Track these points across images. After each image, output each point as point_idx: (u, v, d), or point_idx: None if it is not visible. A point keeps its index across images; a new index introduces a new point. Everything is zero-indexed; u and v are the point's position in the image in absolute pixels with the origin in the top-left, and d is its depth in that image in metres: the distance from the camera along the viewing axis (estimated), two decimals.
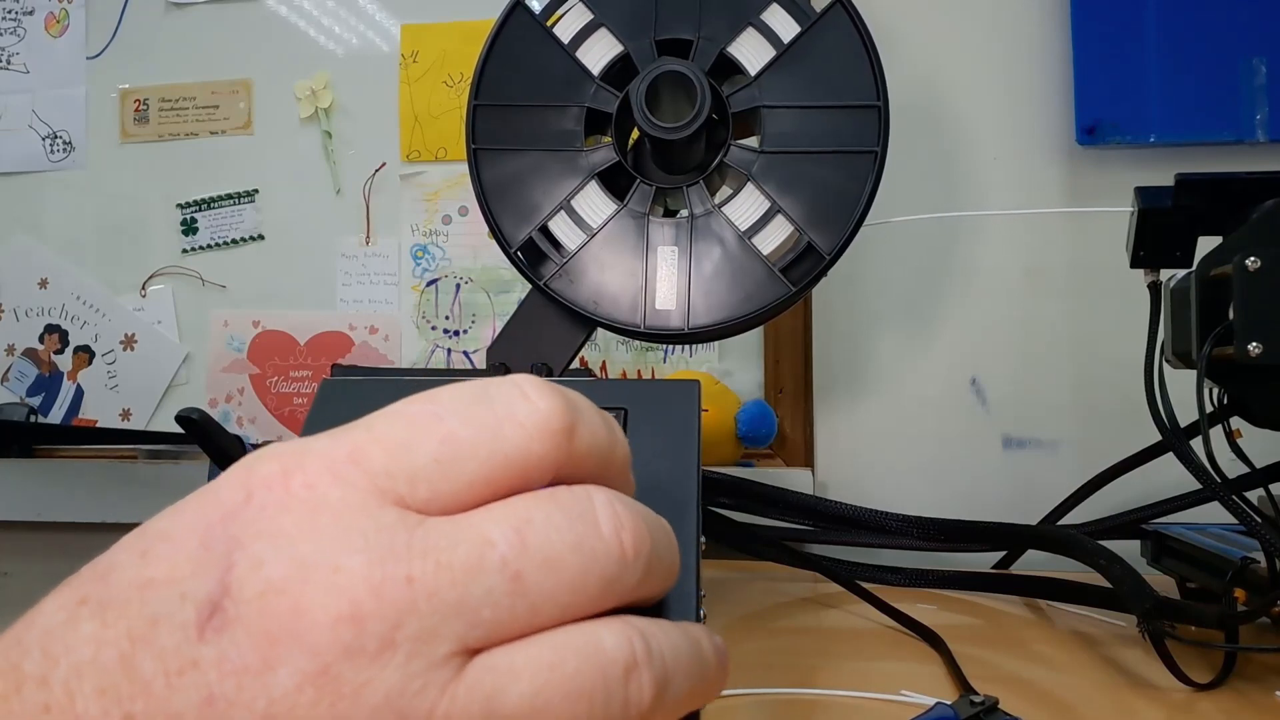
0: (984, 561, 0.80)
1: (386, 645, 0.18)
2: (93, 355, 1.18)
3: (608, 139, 0.63)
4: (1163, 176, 0.59)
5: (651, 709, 0.20)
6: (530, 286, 0.62)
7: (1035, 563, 0.78)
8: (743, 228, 0.60)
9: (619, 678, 0.20)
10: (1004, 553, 0.80)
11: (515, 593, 0.19)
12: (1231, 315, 0.51)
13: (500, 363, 0.62)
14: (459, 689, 0.19)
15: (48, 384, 1.19)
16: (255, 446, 0.55)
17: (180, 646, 0.18)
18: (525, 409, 0.21)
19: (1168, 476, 0.70)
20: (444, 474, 0.20)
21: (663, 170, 0.64)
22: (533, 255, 0.63)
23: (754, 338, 1.03)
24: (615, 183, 0.63)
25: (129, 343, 1.17)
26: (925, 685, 0.52)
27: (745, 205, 0.61)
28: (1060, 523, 0.80)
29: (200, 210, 1.16)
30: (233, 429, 1.12)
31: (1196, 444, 0.54)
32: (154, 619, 0.18)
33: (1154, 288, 0.60)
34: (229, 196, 1.16)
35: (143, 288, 1.17)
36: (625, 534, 0.21)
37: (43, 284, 1.19)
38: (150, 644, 0.18)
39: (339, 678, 0.18)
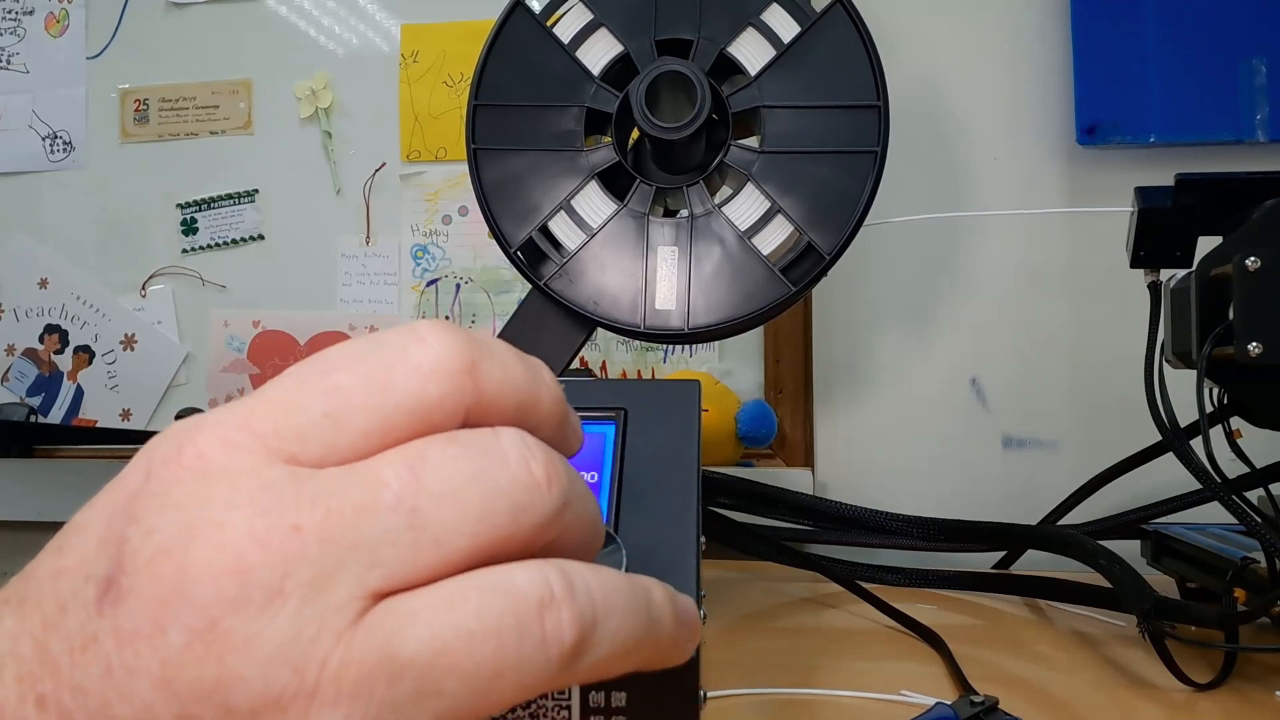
0: (984, 561, 0.80)
1: (275, 594, 0.18)
2: (93, 355, 1.18)
3: (608, 139, 0.63)
4: (1163, 176, 0.59)
5: (576, 649, 0.19)
6: (530, 286, 0.62)
7: (1035, 563, 0.78)
8: (743, 228, 0.60)
9: (532, 614, 0.19)
10: (1004, 553, 0.80)
11: (414, 527, 0.19)
12: (1231, 315, 0.51)
13: None
14: (355, 635, 0.18)
15: (48, 384, 1.19)
16: None
17: (83, 625, 0.18)
18: (418, 350, 0.20)
19: (1168, 476, 0.70)
20: (335, 427, 0.20)
21: (663, 170, 0.64)
22: (533, 255, 0.63)
23: (754, 338, 1.03)
24: (615, 183, 0.63)
25: (129, 343, 1.17)
26: (925, 685, 0.52)
27: (745, 205, 0.61)
28: (1060, 523, 0.80)
29: (200, 210, 1.16)
30: None
31: (1196, 444, 0.54)
32: (62, 604, 0.19)
33: (1154, 288, 0.60)
34: (229, 196, 1.16)
35: (143, 288, 1.17)
36: (535, 463, 0.20)
37: (43, 284, 1.19)
38: (59, 627, 0.19)
39: (228, 631, 0.18)
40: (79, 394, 1.18)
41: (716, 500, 0.80)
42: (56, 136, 1.20)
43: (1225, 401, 0.57)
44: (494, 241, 0.63)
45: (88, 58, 1.19)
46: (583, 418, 0.35)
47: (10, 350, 1.20)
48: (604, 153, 0.62)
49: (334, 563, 0.18)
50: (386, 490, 0.19)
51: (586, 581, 0.20)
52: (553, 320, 0.62)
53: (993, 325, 0.99)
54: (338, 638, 0.18)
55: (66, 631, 0.18)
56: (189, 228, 1.16)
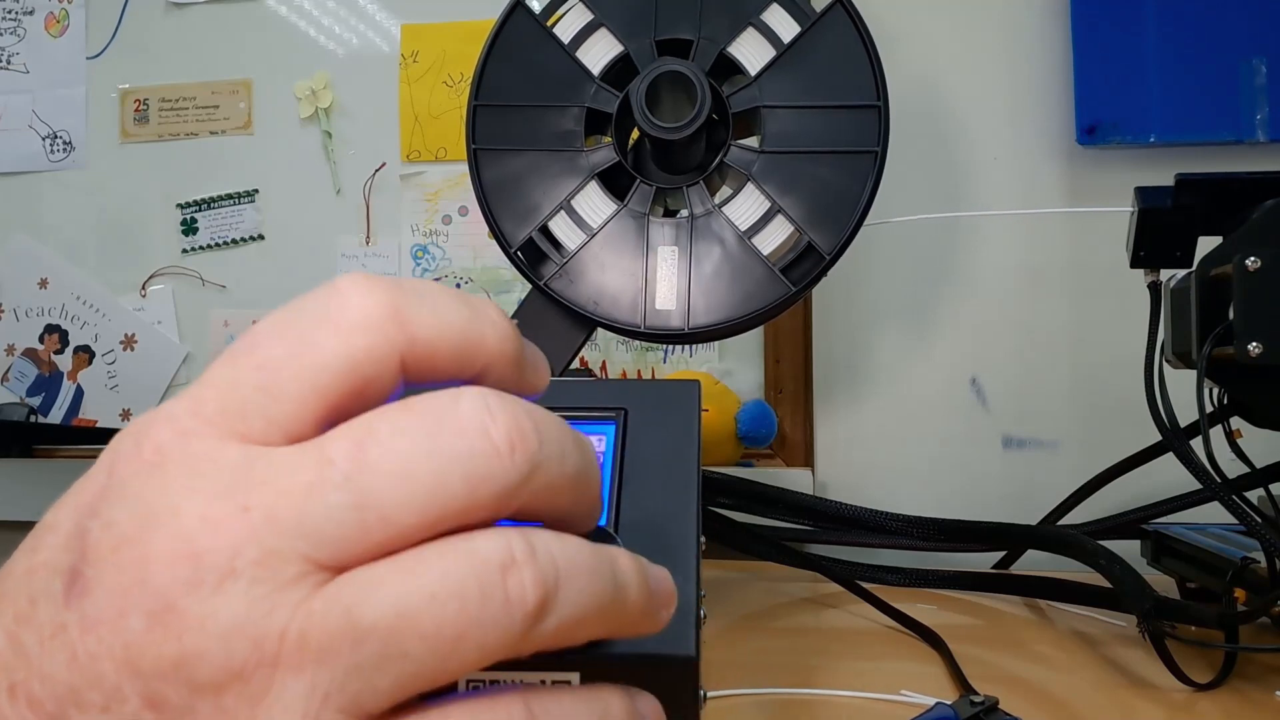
0: (984, 561, 0.80)
1: (226, 574, 0.18)
2: (93, 355, 1.18)
3: (608, 139, 0.63)
4: (1163, 176, 0.59)
5: (540, 609, 0.19)
6: (530, 286, 0.62)
7: (1035, 563, 0.78)
8: (743, 228, 0.60)
9: (494, 575, 0.19)
10: (1004, 553, 0.80)
11: (360, 505, 0.19)
12: (1231, 315, 0.51)
13: None
14: (315, 604, 0.18)
15: (48, 384, 1.19)
16: None
17: (52, 616, 0.19)
18: (339, 305, 0.20)
19: (1168, 476, 0.70)
20: (270, 398, 0.20)
21: (663, 170, 0.64)
22: (533, 255, 0.63)
23: (754, 338, 1.03)
24: (615, 183, 0.63)
25: (129, 343, 1.17)
26: (925, 685, 0.52)
27: (745, 205, 0.61)
28: (1060, 523, 0.80)
29: (200, 210, 1.16)
30: None
31: (1196, 444, 0.54)
32: (33, 598, 0.19)
33: (1154, 288, 0.60)
34: (229, 196, 1.16)
35: (143, 288, 1.17)
36: (495, 428, 0.20)
37: (43, 284, 1.19)
38: (30, 621, 0.19)
39: (183, 613, 0.18)
40: (79, 394, 1.18)
41: (716, 500, 0.80)
42: (56, 136, 1.20)
43: (1225, 401, 0.57)
44: (494, 241, 0.63)
45: (88, 58, 1.19)
46: (583, 418, 0.35)
47: (10, 350, 1.20)
48: (604, 153, 0.62)
49: (281, 541, 0.19)
50: (333, 468, 0.19)
51: (549, 546, 0.20)
52: (553, 320, 0.62)
53: (993, 325, 0.99)
54: (295, 608, 0.18)
55: (37, 624, 0.19)
56: (189, 228, 1.16)
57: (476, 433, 0.19)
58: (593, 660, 0.26)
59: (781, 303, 0.60)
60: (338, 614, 0.18)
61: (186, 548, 0.19)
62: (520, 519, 0.21)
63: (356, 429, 0.20)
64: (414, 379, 0.21)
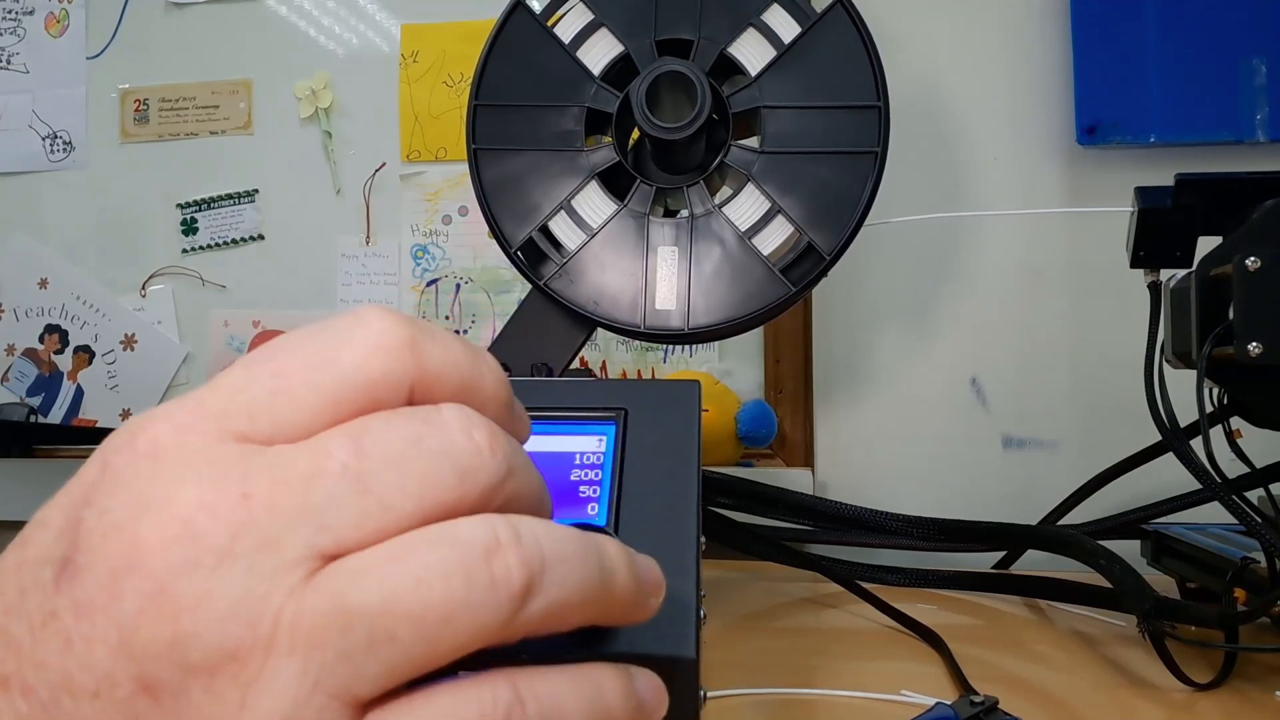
0: (984, 561, 0.80)
1: (224, 557, 0.19)
2: (93, 355, 1.18)
3: (608, 139, 0.63)
4: (1163, 176, 0.59)
5: (525, 591, 0.19)
6: (530, 286, 0.62)
7: (1035, 563, 0.78)
8: (743, 228, 0.60)
9: (479, 559, 0.19)
10: (1004, 553, 0.80)
11: (360, 491, 0.19)
12: (1231, 315, 0.51)
13: (500, 363, 0.62)
14: (307, 590, 0.19)
15: (48, 384, 1.19)
16: None
17: (42, 605, 0.19)
18: (362, 332, 0.21)
19: (1168, 476, 0.70)
20: (282, 403, 0.20)
21: (663, 170, 0.64)
22: (533, 255, 0.63)
23: (754, 338, 1.03)
24: (615, 183, 0.63)
25: (129, 343, 1.17)
26: (925, 685, 0.52)
27: (745, 205, 0.61)
28: (1060, 523, 0.80)
29: (200, 210, 1.16)
30: None
31: (1196, 444, 0.54)
32: (23, 589, 0.19)
33: (1154, 288, 0.60)
34: (229, 196, 1.16)
35: (143, 288, 1.17)
36: (477, 431, 0.21)
37: (43, 284, 1.19)
38: (19, 611, 0.19)
39: (178, 594, 0.18)
40: (79, 394, 1.18)
41: (716, 500, 0.80)
42: (56, 136, 1.20)
43: (1225, 401, 0.57)
44: (494, 241, 0.63)
45: (88, 58, 1.19)
46: (583, 418, 0.35)
47: (10, 350, 1.20)
48: (604, 153, 0.62)
49: (282, 526, 0.19)
50: (332, 459, 0.20)
51: (534, 530, 0.20)
52: (553, 320, 0.62)
53: (993, 325, 0.99)
54: (289, 593, 0.19)
55: (27, 613, 0.19)
56: (189, 228, 1.16)
57: (461, 432, 0.21)
58: (591, 660, 0.26)
59: (781, 303, 0.60)
60: (327, 599, 0.19)
61: (183, 530, 0.19)
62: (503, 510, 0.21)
63: (352, 427, 0.20)
64: (410, 404, 0.22)
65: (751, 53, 0.62)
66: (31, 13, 1.21)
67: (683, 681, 0.27)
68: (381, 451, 0.20)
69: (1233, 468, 0.54)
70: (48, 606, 0.19)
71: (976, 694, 0.46)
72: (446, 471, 0.20)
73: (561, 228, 0.62)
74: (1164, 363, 0.59)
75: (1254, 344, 0.50)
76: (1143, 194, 0.59)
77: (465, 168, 0.63)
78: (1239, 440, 0.55)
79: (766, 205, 0.60)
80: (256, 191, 1.15)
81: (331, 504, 0.19)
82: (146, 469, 0.20)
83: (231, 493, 0.19)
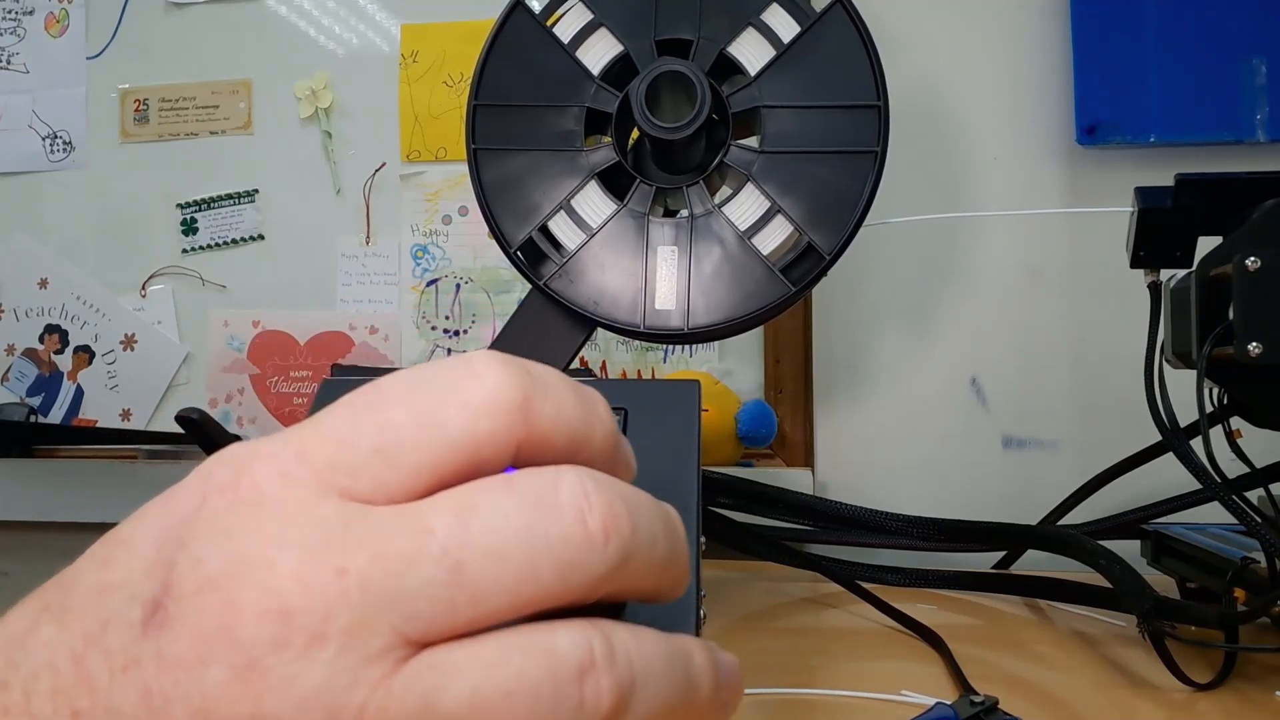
0: (984, 561, 0.80)
1: (316, 639, 0.18)
2: (93, 355, 1.18)
3: (608, 139, 0.63)
4: (1163, 176, 0.59)
5: (611, 716, 0.19)
6: (530, 286, 0.62)
7: (1035, 563, 0.78)
8: (743, 228, 0.60)
9: (571, 679, 0.19)
10: (1004, 553, 0.80)
11: (454, 584, 0.19)
12: (1231, 315, 0.51)
13: None
14: (395, 684, 0.18)
15: (48, 384, 1.19)
16: None
17: (126, 646, 0.19)
18: (472, 387, 0.20)
19: (1168, 476, 0.70)
20: (386, 464, 0.20)
21: (663, 170, 0.64)
22: (533, 255, 0.63)
23: (754, 338, 1.03)
24: (615, 183, 0.63)
25: (129, 343, 1.17)
26: (925, 685, 0.52)
27: (745, 205, 0.61)
28: (1060, 523, 0.80)
29: (200, 210, 1.16)
30: (233, 429, 1.12)
31: (1196, 444, 0.54)
32: (105, 621, 0.19)
33: (1154, 288, 0.60)
34: (229, 196, 1.16)
35: (143, 288, 1.17)
36: (592, 516, 0.19)
37: (43, 284, 1.19)
38: (100, 644, 0.19)
39: (267, 672, 0.18)
40: (79, 394, 1.18)
41: (716, 500, 0.80)
42: (56, 136, 1.20)
43: (1225, 401, 0.57)
44: (494, 241, 0.63)
45: (88, 58, 1.19)
46: None
47: (10, 350, 1.20)
48: (604, 153, 0.62)
49: (374, 611, 0.18)
50: (433, 540, 0.19)
51: (628, 648, 0.19)
52: (553, 320, 0.62)
53: (993, 325, 0.99)
54: (375, 686, 0.18)
55: (107, 649, 0.19)
56: (189, 228, 1.16)
57: (574, 519, 0.19)
58: None
59: (781, 303, 0.60)
60: (415, 698, 0.18)
61: (277, 604, 0.18)
62: (607, 600, 0.21)
63: (459, 500, 0.19)
64: (521, 464, 0.21)
65: (751, 52, 0.62)
66: (31, 13, 1.21)
67: None
68: (484, 539, 0.19)
69: (1233, 468, 0.54)
70: (132, 650, 0.18)
71: (976, 694, 0.46)
72: (549, 567, 0.19)
73: (561, 228, 0.62)
74: (1164, 363, 0.59)
75: (1254, 344, 0.50)
76: (1143, 194, 0.59)
77: (465, 168, 0.63)
78: (1239, 440, 0.55)
79: (766, 205, 0.60)
80: (256, 191, 1.15)
81: (425, 593, 0.19)
82: (247, 518, 0.19)
83: (329, 566, 0.18)
